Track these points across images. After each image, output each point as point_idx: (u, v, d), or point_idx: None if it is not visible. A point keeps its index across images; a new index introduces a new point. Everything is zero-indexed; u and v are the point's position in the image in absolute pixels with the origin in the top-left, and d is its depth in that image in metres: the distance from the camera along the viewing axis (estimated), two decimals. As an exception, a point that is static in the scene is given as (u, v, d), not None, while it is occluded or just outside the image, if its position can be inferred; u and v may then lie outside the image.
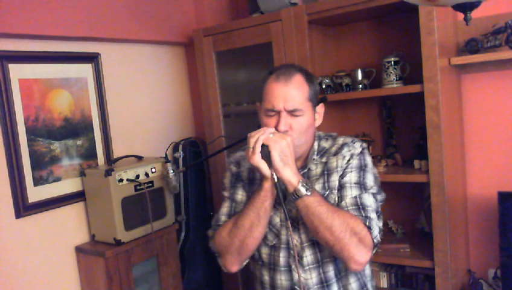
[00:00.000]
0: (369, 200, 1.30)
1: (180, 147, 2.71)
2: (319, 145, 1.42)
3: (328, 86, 2.26)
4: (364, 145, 1.41)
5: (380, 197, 1.36)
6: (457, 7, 0.98)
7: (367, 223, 1.25)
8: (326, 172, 1.37)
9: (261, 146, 1.24)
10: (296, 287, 1.37)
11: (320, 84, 2.24)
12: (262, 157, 1.24)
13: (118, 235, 2.15)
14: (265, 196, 1.28)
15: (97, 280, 2.17)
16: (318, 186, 1.36)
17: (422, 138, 2.12)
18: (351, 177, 1.33)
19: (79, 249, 2.25)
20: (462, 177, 2.21)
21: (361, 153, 1.38)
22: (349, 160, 1.36)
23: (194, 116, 3.01)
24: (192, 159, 2.72)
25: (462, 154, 2.23)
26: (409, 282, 2.22)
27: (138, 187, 2.24)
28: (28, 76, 2.09)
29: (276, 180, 1.23)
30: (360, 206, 1.28)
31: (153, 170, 2.32)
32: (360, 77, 2.23)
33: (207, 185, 2.81)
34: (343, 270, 1.37)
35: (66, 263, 2.24)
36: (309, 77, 1.37)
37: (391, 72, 2.10)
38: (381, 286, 2.28)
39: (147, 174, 2.28)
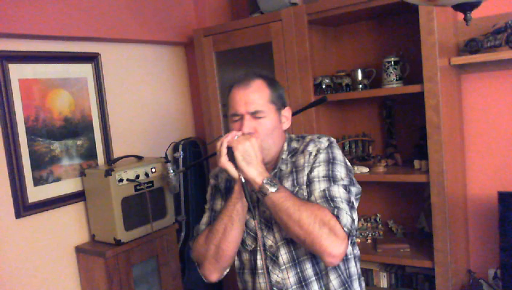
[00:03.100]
0: (339, 192, 1.29)
1: (180, 147, 2.71)
2: (288, 146, 1.45)
3: (328, 86, 2.26)
4: (333, 139, 1.42)
5: (354, 189, 1.35)
6: (457, 7, 0.98)
7: (335, 213, 1.23)
8: (295, 169, 1.39)
9: (228, 149, 1.27)
10: (274, 288, 1.37)
11: (320, 84, 2.24)
12: (230, 160, 1.27)
13: (118, 235, 2.15)
14: (236, 198, 1.30)
15: (97, 280, 2.17)
16: (288, 183, 1.37)
17: (422, 138, 2.12)
18: (319, 171, 1.34)
19: (79, 249, 2.25)
20: (462, 177, 2.21)
21: (329, 146, 1.38)
22: (316, 155, 1.37)
23: (194, 116, 3.01)
24: (192, 159, 2.72)
25: (462, 154, 2.23)
26: (409, 282, 2.22)
27: (138, 187, 2.24)
28: (28, 76, 2.09)
29: (243, 180, 1.26)
30: (328, 198, 1.27)
31: (153, 170, 2.32)
32: (360, 77, 2.23)
33: (207, 185, 2.81)
34: (323, 269, 1.36)
35: (66, 263, 2.24)
36: (270, 82, 1.41)
37: (391, 72, 2.10)
38: (381, 286, 2.28)
39: (147, 174, 2.28)
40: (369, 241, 2.31)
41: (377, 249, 2.18)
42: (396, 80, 2.10)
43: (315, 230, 1.19)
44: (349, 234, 1.23)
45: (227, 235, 1.32)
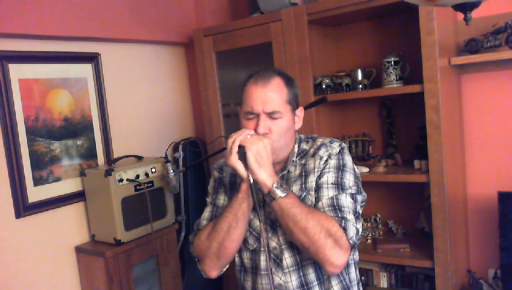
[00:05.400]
0: (346, 201, 1.28)
1: (180, 147, 2.71)
2: (299, 148, 1.43)
3: (328, 86, 2.26)
4: (344, 145, 1.41)
5: (360, 197, 1.35)
6: (457, 7, 0.98)
7: (342, 224, 1.23)
8: (304, 173, 1.37)
9: (239, 147, 1.25)
10: None
11: (320, 84, 2.24)
12: (240, 159, 1.25)
13: (118, 235, 2.15)
14: (243, 198, 1.28)
15: (97, 280, 2.17)
16: (296, 187, 1.35)
17: (422, 138, 2.12)
18: (328, 177, 1.32)
19: (79, 249, 2.26)
20: (462, 177, 2.21)
21: (340, 152, 1.37)
22: (326, 160, 1.35)
23: (194, 116, 3.01)
24: (192, 159, 2.72)
25: (462, 154, 2.23)
26: (409, 282, 2.22)
27: (138, 187, 2.24)
28: (28, 76, 2.09)
29: (251, 181, 1.24)
30: (336, 207, 1.27)
31: (153, 170, 2.32)
32: (360, 77, 2.23)
33: (207, 184, 2.81)
34: (325, 274, 1.35)
35: (66, 263, 2.24)
36: (288, 81, 1.38)
37: (391, 72, 2.10)
38: (381, 286, 2.28)
39: (147, 174, 2.28)
40: (369, 241, 2.31)
41: (377, 249, 2.18)
42: (396, 80, 2.10)
43: (320, 240, 1.19)
44: (353, 246, 1.24)
45: (231, 233, 1.30)
